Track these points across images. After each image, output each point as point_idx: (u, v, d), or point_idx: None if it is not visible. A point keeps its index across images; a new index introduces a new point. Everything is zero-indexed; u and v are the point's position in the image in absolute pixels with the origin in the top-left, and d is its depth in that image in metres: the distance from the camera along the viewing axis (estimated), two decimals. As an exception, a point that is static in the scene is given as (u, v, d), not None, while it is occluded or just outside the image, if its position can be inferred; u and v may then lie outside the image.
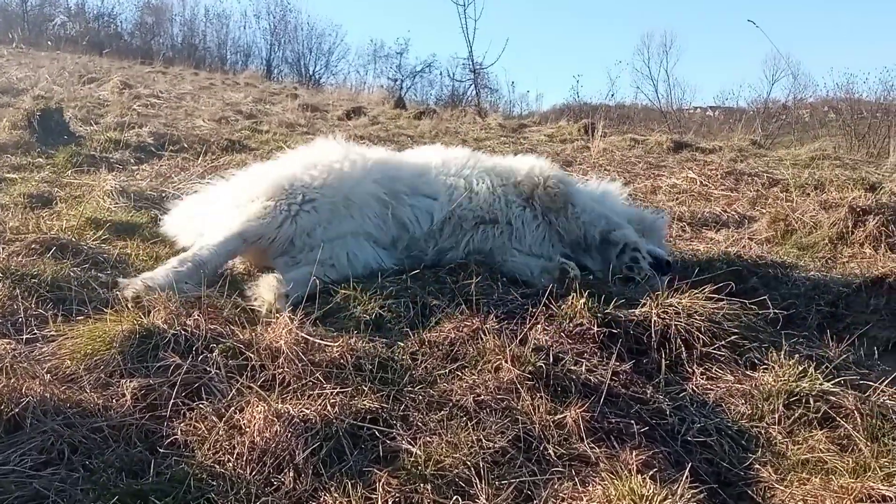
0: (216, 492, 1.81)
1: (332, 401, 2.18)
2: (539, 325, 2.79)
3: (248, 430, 2.03)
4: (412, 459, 1.99)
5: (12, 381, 2.11)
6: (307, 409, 2.11)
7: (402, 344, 2.65)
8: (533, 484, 1.95)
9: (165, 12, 34.80)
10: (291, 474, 1.89)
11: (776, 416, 2.35)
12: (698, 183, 6.66)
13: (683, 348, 2.75)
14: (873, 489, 1.93)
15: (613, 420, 2.25)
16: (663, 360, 2.69)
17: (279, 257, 3.46)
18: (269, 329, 2.61)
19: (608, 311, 2.85)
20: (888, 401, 2.44)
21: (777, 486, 2.05)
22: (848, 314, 3.26)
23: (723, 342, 2.77)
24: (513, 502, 1.89)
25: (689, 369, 2.68)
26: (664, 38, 28.51)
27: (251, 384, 2.25)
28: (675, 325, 2.80)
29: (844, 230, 4.41)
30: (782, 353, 2.69)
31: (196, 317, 2.63)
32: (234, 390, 2.23)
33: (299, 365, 2.37)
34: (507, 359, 2.46)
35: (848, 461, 2.09)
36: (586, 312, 2.83)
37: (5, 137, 6.64)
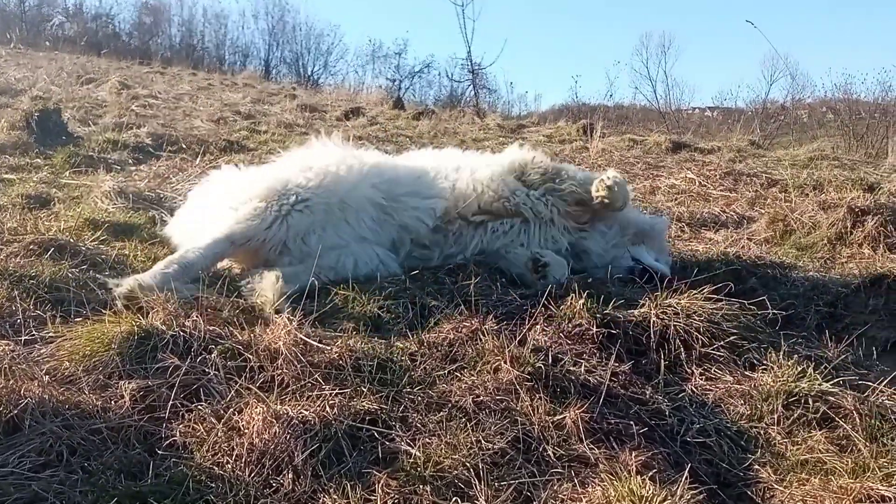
0: (215, 493, 1.81)
1: (331, 402, 2.18)
2: (538, 326, 2.79)
3: (246, 431, 2.03)
4: (411, 461, 1.99)
5: (11, 382, 2.11)
6: (306, 410, 2.11)
7: (401, 345, 2.64)
8: (532, 485, 1.95)
9: (163, 12, 34.86)
10: (290, 476, 1.89)
11: (775, 416, 2.35)
12: (697, 183, 6.66)
13: (682, 349, 2.75)
14: (872, 489, 1.93)
15: (613, 421, 2.25)
16: (662, 361, 2.68)
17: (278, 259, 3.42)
18: (267, 330, 2.61)
19: (607, 311, 2.85)
20: (887, 401, 2.44)
21: (776, 486, 2.05)
22: (847, 314, 3.26)
23: (722, 343, 2.77)
24: (512, 503, 1.89)
25: (689, 370, 2.68)
26: (662, 38, 28.58)
27: (250, 385, 2.25)
28: (674, 326, 2.80)
29: (843, 230, 4.42)
30: (781, 353, 2.69)
31: (195, 318, 2.63)
32: (232, 392, 2.23)
33: (298, 366, 2.37)
34: (506, 360, 2.46)
35: (847, 461, 2.09)
36: (585, 313, 2.83)
37: (3, 138, 6.64)
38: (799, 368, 2.56)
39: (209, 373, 2.31)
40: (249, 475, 1.89)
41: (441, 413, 2.23)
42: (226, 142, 7.92)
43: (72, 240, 3.61)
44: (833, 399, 2.39)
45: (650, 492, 1.84)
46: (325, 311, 2.85)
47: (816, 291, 3.50)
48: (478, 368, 2.50)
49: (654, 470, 2.01)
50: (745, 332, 2.85)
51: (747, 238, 4.79)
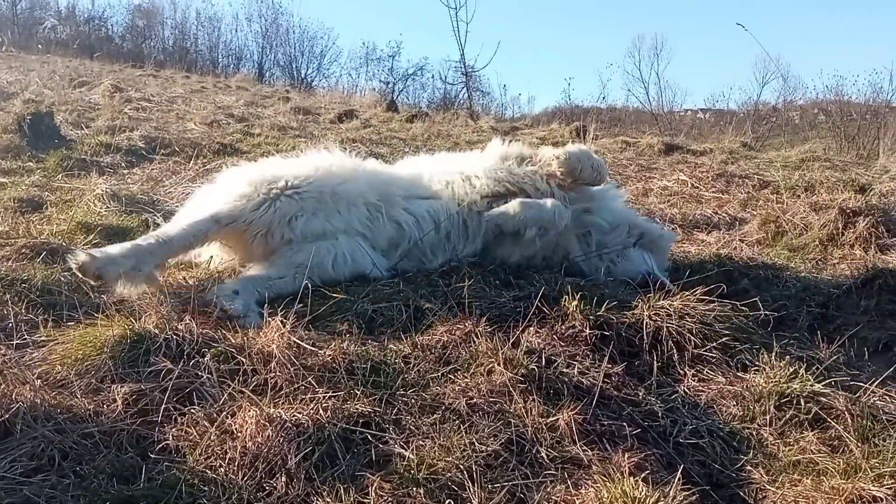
0: (208, 497, 1.81)
1: (324, 405, 2.18)
2: (531, 328, 2.79)
3: (239, 434, 2.02)
4: (405, 463, 1.99)
5: (2, 386, 2.11)
6: (299, 413, 2.11)
7: (394, 347, 2.64)
8: (525, 487, 1.96)
9: (156, 15, 34.76)
10: (283, 479, 1.89)
11: (767, 417, 2.36)
12: (689, 185, 6.68)
13: (675, 350, 2.76)
14: (864, 490, 1.94)
15: (606, 422, 2.25)
16: (655, 362, 2.69)
17: (264, 256, 3.38)
18: (260, 333, 2.61)
19: (600, 313, 2.86)
20: (878, 402, 2.46)
21: (769, 487, 2.06)
22: (838, 315, 3.27)
23: (714, 344, 2.78)
24: (505, 505, 1.89)
25: (681, 371, 2.69)
26: (655, 40, 28.68)
27: (243, 389, 2.25)
28: (667, 327, 2.81)
29: (835, 232, 4.44)
30: (773, 354, 2.70)
31: (187, 321, 2.63)
32: (225, 395, 2.23)
33: (291, 369, 2.37)
34: (499, 362, 2.46)
35: (839, 462, 2.10)
36: (578, 315, 2.83)
37: (-5, 141, 6.61)
38: (791, 369, 2.57)
39: (202, 376, 2.30)
40: (242, 478, 1.89)
41: (434, 415, 2.23)
42: (219, 144, 7.89)
43: (64, 243, 3.60)
44: (825, 400, 2.40)
45: (643, 493, 1.84)
46: (319, 314, 2.85)
47: (808, 292, 3.51)
48: (471, 371, 2.50)
49: (647, 471, 2.02)
50: (738, 333, 2.86)
51: (739, 239, 4.80)
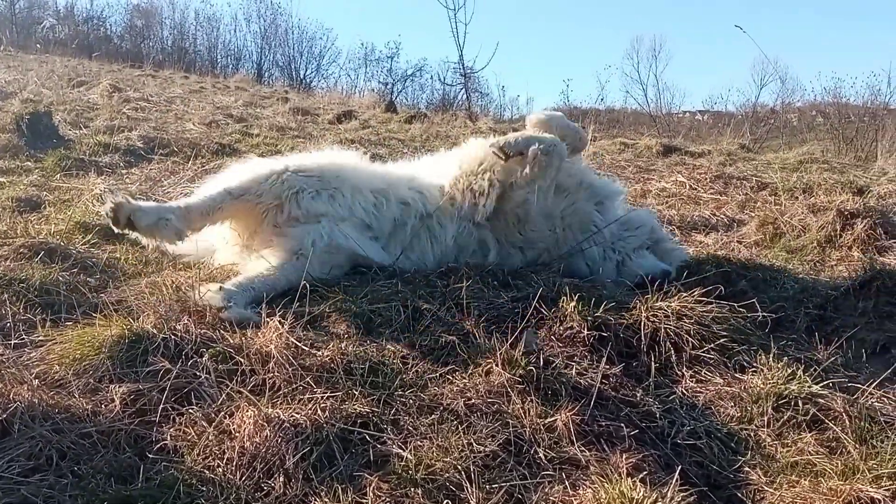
0: (206, 497, 1.81)
1: (322, 405, 2.18)
2: (530, 329, 2.79)
3: (237, 435, 2.02)
4: (403, 464, 1.99)
5: (0, 386, 2.10)
6: (297, 413, 2.11)
7: (392, 348, 2.65)
8: (523, 487, 1.96)
9: (155, 15, 34.71)
10: (281, 479, 1.89)
11: (765, 418, 2.36)
12: (687, 186, 6.69)
13: (673, 351, 2.76)
14: (862, 491, 1.94)
15: (604, 423, 2.25)
16: (653, 363, 2.69)
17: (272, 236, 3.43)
18: (259, 333, 2.61)
19: (598, 314, 2.86)
20: (876, 403, 2.46)
21: (766, 488, 2.06)
22: (836, 317, 3.27)
23: (712, 345, 2.78)
24: (503, 506, 1.89)
25: (679, 372, 2.69)
26: (653, 42, 28.73)
27: (241, 389, 2.25)
28: (665, 328, 2.81)
29: (833, 233, 4.44)
30: (771, 355, 2.70)
31: (186, 321, 2.63)
32: (223, 395, 2.23)
33: (289, 369, 2.37)
34: (497, 362, 2.46)
35: (837, 463, 2.10)
36: (576, 316, 2.83)
37: (-7, 141, 6.61)
38: (789, 371, 2.58)
39: (200, 376, 2.30)
40: (240, 479, 1.89)
41: (432, 416, 2.23)
42: (218, 145, 7.89)
43: (62, 243, 3.60)
44: (823, 401, 2.41)
45: (640, 494, 1.84)
46: (317, 315, 2.85)
47: (806, 294, 3.51)
48: (469, 371, 2.50)
49: (645, 472, 2.02)
50: (736, 334, 2.86)
51: (737, 241, 4.81)
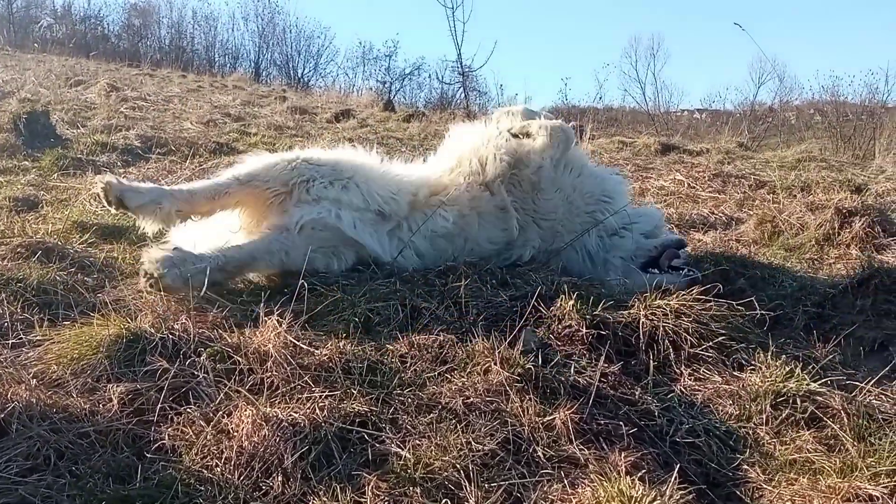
0: (204, 497, 1.80)
1: (320, 404, 2.17)
2: (528, 328, 2.79)
3: (236, 434, 2.02)
4: (401, 463, 1.99)
5: (-3, 386, 2.10)
6: (296, 412, 2.11)
7: (391, 347, 2.64)
8: (522, 486, 1.95)
9: (152, 14, 34.66)
10: (280, 479, 1.89)
11: (764, 416, 2.37)
12: (686, 185, 6.69)
13: (671, 349, 2.76)
14: (860, 488, 1.95)
15: (602, 421, 2.25)
16: (651, 362, 2.69)
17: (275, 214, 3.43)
18: (257, 332, 2.60)
19: (597, 312, 2.86)
20: (874, 401, 2.46)
21: (765, 486, 2.06)
22: (834, 315, 3.27)
23: (710, 343, 2.78)
24: (502, 505, 1.89)
25: (677, 370, 2.69)
26: (651, 41, 28.70)
27: (239, 388, 2.25)
28: (663, 327, 2.81)
29: (831, 231, 4.44)
30: (769, 353, 2.70)
31: (184, 320, 2.62)
32: (221, 394, 2.22)
33: (288, 368, 2.37)
34: (496, 361, 2.46)
35: (835, 461, 2.11)
36: (575, 314, 2.83)
37: (-9, 140, 6.60)
38: (787, 369, 2.58)
39: (198, 375, 2.30)
40: (239, 478, 1.88)
41: (431, 415, 2.23)
42: (215, 144, 7.88)
43: (59, 242, 3.59)
44: (821, 399, 2.41)
45: (639, 492, 1.84)
46: (315, 313, 2.84)
47: (804, 292, 3.52)
48: (468, 370, 2.50)
49: (644, 470, 2.02)
50: (734, 332, 2.86)
51: (735, 239, 4.81)
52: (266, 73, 33.69)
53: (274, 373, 2.35)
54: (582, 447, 2.11)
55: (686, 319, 2.84)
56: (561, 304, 2.90)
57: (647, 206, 4.98)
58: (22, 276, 3.00)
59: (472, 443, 2.07)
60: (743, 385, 2.54)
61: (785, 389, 2.45)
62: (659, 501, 1.83)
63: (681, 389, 2.56)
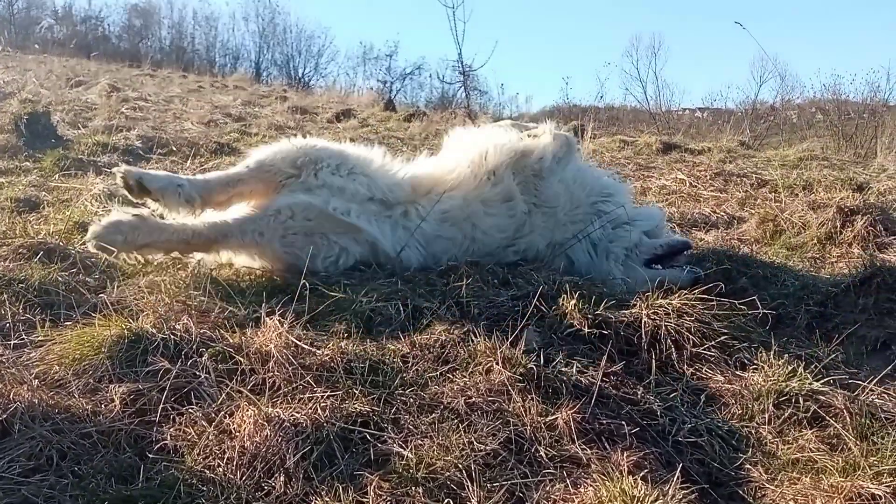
0: (206, 497, 1.80)
1: (322, 404, 2.17)
2: (530, 327, 2.79)
3: (238, 434, 2.02)
4: (403, 462, 1.99)
5: (0, 387, 2.10)
6: (297, 412, 2.11)
7: (392, 347, 2.64)
8: (524, 486, 1.95)
9: (153, 15, 34.70)
10: (282, 479, 1.88)
11: (766, 415, 2.36)
12: (687, 184, 6.68)
13: (674, 349, 2.76)
14: (863, 488, 1.94)
15: (605, 421, 2.25)
16: (654, 361, 2.69)
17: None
18: (258, 333, 2.60)
19: (599, 312, 2.85)
20: (877, 400, 2.46)
21: (768, 485, 2.06)
22: (837, 314, 3.27)
23: (713, 342, 2.77)
24: (504, 504, 1.89)
25: (680, 370, 2.69)
26: (652, 40, 28.63)
27: (241, 388, 2.24)
28: (666, 326, 2.81)
29: (833, 230, 4.43)
30: (772, 352, 2.70)
31: (185, 321, 2.62)
32: (223, 395, 2.22)
33: (289, 369, 2.37)
34: (498, 360, 2.46)
35: (838, 460, 2.10)
36: (577, 314, 2.83)
37: (-8, 141, 6.60)
38: (789, 368, 2.57)
39: (200, 376, 2.30)
40: (241, 478, 1.88)
41: (433, 414, 2.23)
42: (216, 144, 7.88)
43: (61, 243, 3.59)
44: (823, 398, 2.40)
45: (642, 492, 1.84)
46: (317, 313, 2.84)
47: (806, 291, 3.51)
48: (470, 370, 2.49)
49: (646, 470, 2.02)
50: (736, 331, 2.86)
51: (737, 238, 4.80)
52: (266, 73, 33.79)
53: (276, 373, 2.35)
54: (584, 447, 2.11)
55: (688, 319, 2.84)
56: (563, 304, 2.89)
57: (649, 206, 5.01)
58: (24, 277, 3.00)
59: (475, 443, 2.07)
60: (745, 384, 2.54)
61: (787, 389, 2.45)
62: (661, 501, 1.83)
63: (683, 389, 2.56)
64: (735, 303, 2.98)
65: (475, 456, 2.01)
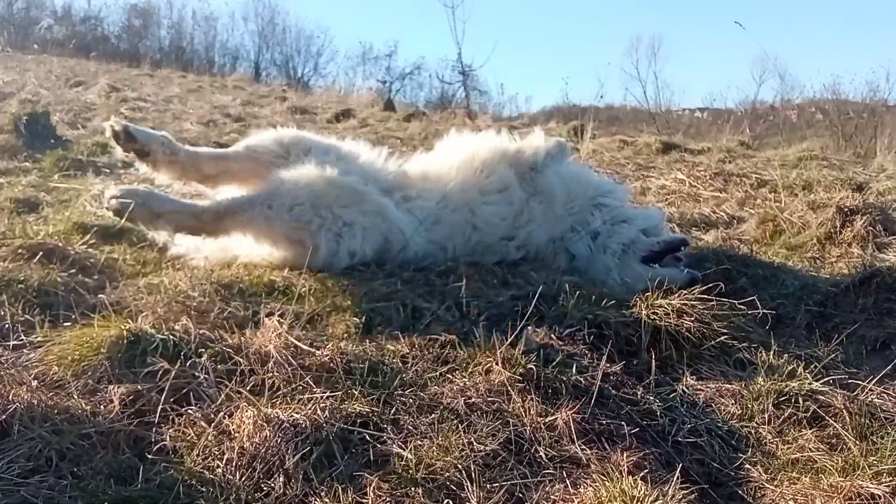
0: (205, 498, 1.80)
1: (322, 405, 2.17)
2: (529, 327, 2.78)
3: (237, 435, 2.02)
4: (403, 463, 1.98)
5: (-1, 387, 2.10)
6: (297, 413, 2.10)
7: (392, 347, 2.64)
8: (524, 486, 1.95)
9: (152, 15, 34.68)
10: (281, 479, 1.88)
11: (766, 415, 2.36)
12: (687, 184, 6.68)
13: (673, 349, 2.76)
14: (862, 487, 1.94)
15: (604, 421, 2.25)
16: (653, 361, 2.69)
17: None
18: (258, 333, 2.60)
19: (598, 312, 2.85)
20: (876, 399, 2.46)
21: (767, 485, 2.06)
22: (836, 314, 3.27)
23: (712, 342, 2.77)
24: (504, 505, 1.88)
25: (680, 370, 2.69)
26: (652, 40, 28.66)
27: (240, 389, 2.24)
28: (665, 326, 2.81)
29: (832, 230, 4.43)
30: (772, 352, 2.70)
31: (184, 321, 2.62)
32: (223, 395, 2.22)
33: (289, 369, 2.36)
34: (497, 361, 2.46)
35: (837, 460, 2.10)
36: (576, 314, 2.83)
37: (-8, 142, 6.60)
38: (789, 368, 2.58)
39: (199, 376, 2.29)
40: (240, 479, 1.88)
41: (433, 415, 2.22)
42: (216, 144, 7.86)
43: (60, 244, 3.58)
44: (823, 398, 2.40)
45: (642, 492, 1.84)
46: (316, 314, 2.84)
47: (806, 291, 3.51)
48: (469, 370, 2.49)
49: (646, 470, 2.01)
50: (736, 331, 2.86)
51: (737, 238, 4.80)
52: (266, 73, 33.74)
53: (275, 373, 2.34)
54: (584, 447, 2.11)
55: (688, 319, 2.84)
56: (562, 304, 2.89)
57: (649, 206, 5.06)
58: (23, 278, 2.99)
59: (474, 443, 2.07)
60: (745, 384, 2.54)
61: (787, 389, 2.45)
62: (661, 501, 1.83)
63: (683, 389, 2.56)
64: (735, 303, 2.98)
65: (475, 456, 2.01)
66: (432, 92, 29.80)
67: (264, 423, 2.02)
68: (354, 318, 2.86)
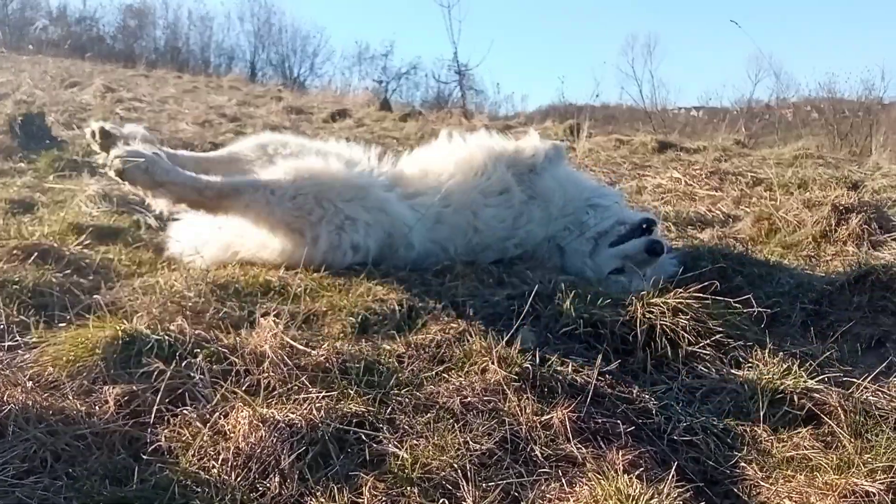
0: (201, 498, 1.80)
1: (317, 405, 2.17)
2: (525, 326, 2.79)
3: (232, 435, 2.01)
4: (399, 463, 1.98)
5: (-7, 389, 2.09)
6: (292, 413, 2.10)
7: (388, 347, 2.64)
8: (520, 485, 1.95)
9: (148, 15, 34.63)
10: (277, 479, 1.88)
11: (761, 413, 2.36)
12: (683, 183, 6.69)
13: (669, 347, 2.76)
14: (857, 485, 1.95)
15: (600, 420, 2.25)
16: (649, 360, 2.69)
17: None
18: (253, 333, 2.60)
19: (594, 310, 2.86)
20: (871, 397, 2.46)
21: (762, 483, 2.06)
22: (831, 312, 3.28)
23: (708, 341, 2.78)
24: (500, 504, 1.89)
25: (675, 368, 2.69)
26: (648, 39, 28.71)
27: (236, 389, 2.24)
28: (661, 325, 2.81)
29: (828, 228, 4.44)
30: (767, 351, 2.70)
31: (180, 322, 2.61)
32: (218, 396, 2.22)
33: (284, 369, 2.36)
34: (493, 360, 2.46)
35: (832, 458, 2.11)
36: (572, 312, 2.83)
37: (-14, 142, 6.58)
38: (784, 366, 2.58)
39: (194, 377, 2.29)
40: (236, 479, 1.88)
41: (428, 414, 2.22)
42: (211, 144, 7.87)
43: (56, 244, 3.58)
44: (818, 396, 2.41)
45: (637, 490, 1.84)
46: (312, 314, 2.84)
47: (801, 289, 3.52)
48: (465, 369, 2.49)
49: (642, 468, 2.02)
50: (731, 330, 2.86)
51: (733, 237, 4.81)
52: (262, 73, 33.73)
53: (270, 374, 2.34)
54: (580, 446, 2.11)
55: (683, 317, 2.84)
56: (558, 303, 2.89)
57: (644, 204, 5.12)
58: (18, 279, 2.99)
59: (470, 442, 2.07)
60: (740, 382, 2.54)
61: (782, 387, 2.45)
62: (657, 499, 1.83)
63: (678, 387, 2.56)
64: (730, 301, 2.99)
65: (471, 455, 2.01)
66: (428, 92, 29.83)
67: (260, 424, 2.02)
68: (350, 318, 2.85)
